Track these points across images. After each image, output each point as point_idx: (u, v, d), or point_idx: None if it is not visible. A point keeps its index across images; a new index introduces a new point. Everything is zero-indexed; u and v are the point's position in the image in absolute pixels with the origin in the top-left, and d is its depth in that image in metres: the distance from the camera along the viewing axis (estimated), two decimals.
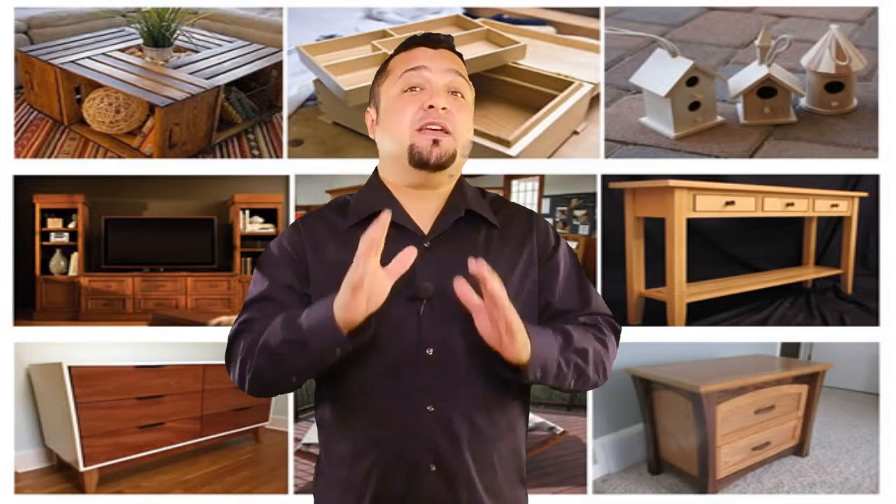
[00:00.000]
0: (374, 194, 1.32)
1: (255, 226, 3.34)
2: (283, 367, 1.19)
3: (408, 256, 1.11)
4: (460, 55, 1.35)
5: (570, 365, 1.24)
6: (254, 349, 1.21)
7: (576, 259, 1.40)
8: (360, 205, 1.32)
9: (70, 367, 2.80)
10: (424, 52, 1.30)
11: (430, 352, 1.23)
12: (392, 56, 1.34)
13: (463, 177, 1.36)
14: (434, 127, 1.25)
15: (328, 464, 1.32)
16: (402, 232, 1.28)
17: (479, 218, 1.32)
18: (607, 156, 2.70)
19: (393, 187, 1.32)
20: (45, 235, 3.20)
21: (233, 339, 1.28)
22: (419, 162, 1.26)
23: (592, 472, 2.73)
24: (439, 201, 1.32)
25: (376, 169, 1.37)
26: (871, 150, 2.70)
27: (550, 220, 2.94)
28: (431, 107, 1.25)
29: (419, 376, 1.22)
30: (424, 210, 1.31)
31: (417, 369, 1.22)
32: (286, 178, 2.74)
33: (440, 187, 1.32)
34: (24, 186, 2.76)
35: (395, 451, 1.23)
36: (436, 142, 1.25)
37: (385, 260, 1.22)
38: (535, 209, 1.48)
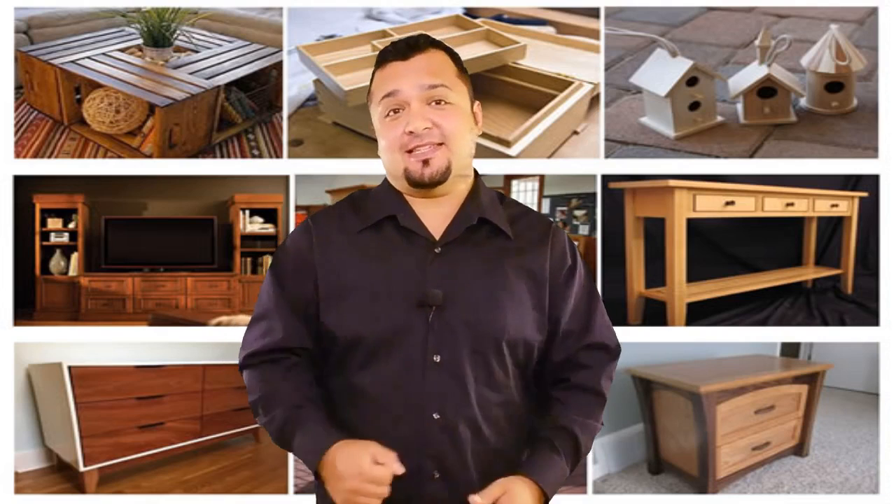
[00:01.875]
0: (386, 198, 1.30)
1: (255, 226, 3.34)
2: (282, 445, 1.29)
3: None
4: (443, 46, 1.30)
5: (573, 471, 1.30)
6: (256, 409, 1.29)
7: (590, 280, 1.37)
8: (372, 208, 1.30)
9: (70, 367, 2.80)
10: (396, 69, 1.25)
11: (437, 358, 1.22)
12: (374, 70, 1.30)
13: (480, 180, 1.33)
14: (421, 148, 1.23)
15: None
16: (412, 238, 1.26)
17: (493, 225, 1.29)
18: (607, 156, 2.70)
19: (405, 191, 1.30)
20: (45, 235, 3.20)
21: (242, 369, 1.34)
22: (415, 183, 1.25)
23: (592, 472, 2.73)
24: (453, 205, 1.29)
25: None
26: (871, 150, 2.70)
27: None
28: (412, 131, 1.22)
29: (426, 383, 1.21)
30: (437, 214, 1.28)
31: (424, 376, 1.21)
32: (286, 178, 2.74)
33: (449, 192, 1.29)
34: (24, 186, 2.76)
35: (400, 458, 1.21)
36: (426, 162, 1.23)
37: (397, 266, 1.23)
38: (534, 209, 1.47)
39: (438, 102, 1.24)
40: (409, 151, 1.23)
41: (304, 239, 1.30)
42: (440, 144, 1.23)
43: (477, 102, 1.32)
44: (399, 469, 1.14)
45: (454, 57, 1.30)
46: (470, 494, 1.19)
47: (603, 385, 1.33)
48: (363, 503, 1.13)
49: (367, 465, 1.13)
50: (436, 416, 1.22)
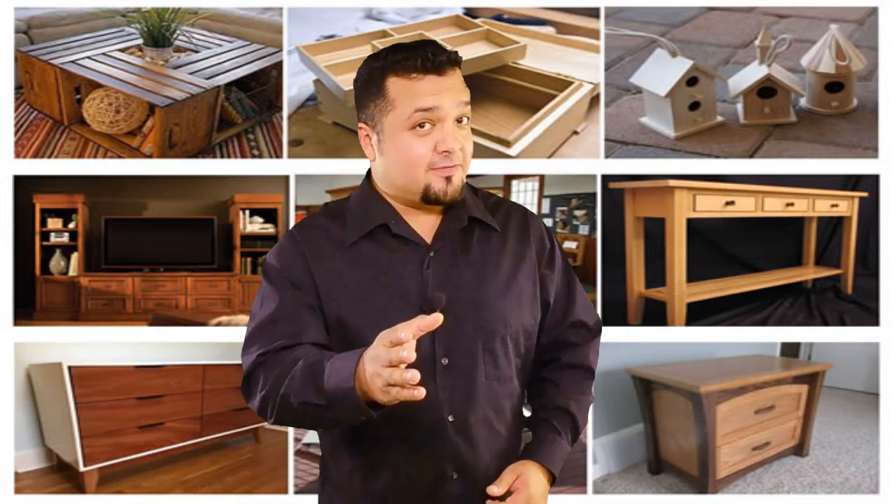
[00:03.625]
0: (373, 206, 1.29)
1: (255, 226, 3.34)
2: (305, 423, 1.24)
3: (432, 322, 1.02)
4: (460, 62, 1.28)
5: (572, 447, 1.35)
6: (274, 397, 1.17)
7: (566, 259, 1.42)
8: (360, 218, 1.28)
9: (70, 367, 2.80)
10: (433, 84, 1.20)
11: (444, 361, 1.23)
12: (387, 71, 1.22)
13: None
14: (449, 167, 1.22)
15: (337, 473, 1.31)
16: (405, 244, 1.26)
17: (479, 221, 1.30)
18: (607, 156, 2.70)
19: (391, 198, 1.29)
20: (45, 235, 3.19)
21: (251, 372, 1.23)
22: (434, 200, 1.24)
23: (592, 472, 2.73)
24: (438, 209, 1.29)
25: (369, 175, 1.32)
26: (871, 150, 2.70)
27: (550, 221, 2.94)
28: (447, 151, 1.21)
29: (437, 387, 1.22)
30: (425, 219, 1.29)
31: (435, 380, 1.22)
32: (286, 178, 2.74)
33: None
34: (24, 186, 2.76)
35: (418, 463, 1.24)
36: (448, 179, 1.22)
37: (394, 274, 1.24)
38: (534, 209, 1.48)
39: (460, 121, 1.23)
40: (434, 170, 1.22)
41: (295, 251, 1.27)
42: (459, 166, 1.23)
43: None
44: (408, 337, 0.99)
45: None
46: (485, 489, 1.23)
47: (591, 360, 1.39)
48: (403, 395, 1.01)
49: (383, 353, 1.01)
50: (451, 418, 1.23)
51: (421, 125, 1.20)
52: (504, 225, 1.33)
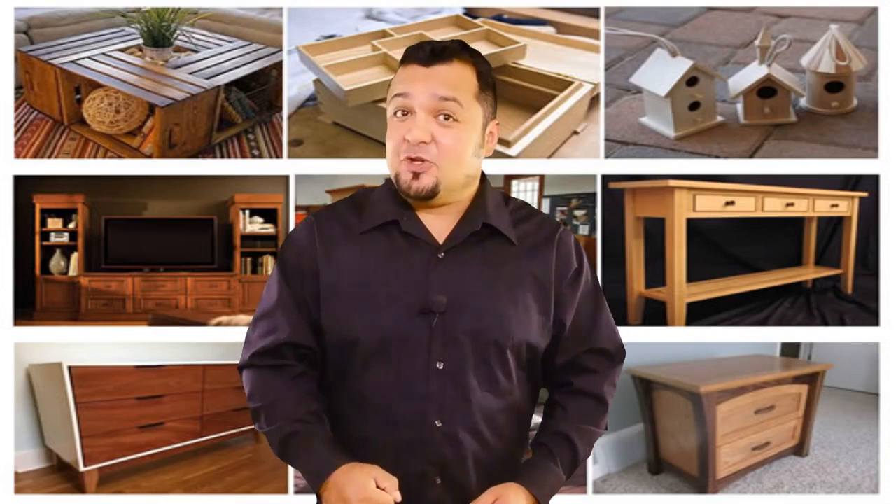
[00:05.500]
0: (391, 201, 1.27)
1: (255, 226, 3.34)
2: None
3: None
4: (473, 59, 1.25)
5: (570, 477, 1.30)
6: (258, 416, 1.27)
7: (596, 283, 1.35)
8: (376, 210, 1.27)
9: (70, 367, 2.80)
10: (414, 72, 1.22)
11: (440, 366, 1.21)
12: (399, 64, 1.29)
13: (487, 184, 1.30)
14: (415, 161, 1.20)
15: None
16: (415, 243, 1.24)
17: (497, 230, 1.27)
18: (607, 156, 2.70)
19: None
20: (45, 235, 3.20)
21: (242, 368, 1.31)
22: (403, 192, 1.23)
23: (592, 472, 2.73)
24: (457, 210, 1.27)
25: None
26: (871, 150, 2.70)
27: None
28: (408, 140, 1.20)
29: (428, 390, 1.20)
30: (441, 220, 1.26)
31: (427, 383, 1.20)
32: (286, 178, 2.74)
33: (449, 201, 1.26)
34: (24, 186, 2.76)
35: (402, 464, 1.21)
36: (416, 175, 1.21)
37: (399, 271, 1.22)
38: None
39: (447, 118, 1.21)
40: (404, 160, 1.21)
41: (307, 236, 1.28)
42: (431, 163, 1.20)
43: (495, 121, 1.29)
44: (398, 497, 1.15)
45: (481, 72, 1.25)
46: (470, 502, 1.20)
47: (606, 391, 1.32)
48: None
49: (372, 489, 1.14)
50: (438, 423, 1.21)
51: (403, 112, 1.22)
52: (526, 238, 1.28)
